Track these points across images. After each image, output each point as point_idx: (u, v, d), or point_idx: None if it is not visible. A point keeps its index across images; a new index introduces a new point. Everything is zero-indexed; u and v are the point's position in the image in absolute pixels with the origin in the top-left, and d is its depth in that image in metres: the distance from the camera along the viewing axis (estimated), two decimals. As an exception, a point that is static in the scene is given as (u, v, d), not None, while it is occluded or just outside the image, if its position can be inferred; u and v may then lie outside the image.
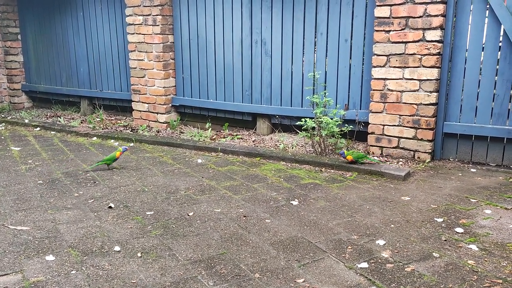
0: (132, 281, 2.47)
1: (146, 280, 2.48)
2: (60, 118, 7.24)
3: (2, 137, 6.18)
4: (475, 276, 2.48)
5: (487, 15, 4.30)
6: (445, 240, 2.92)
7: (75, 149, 5.48)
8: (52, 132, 6.44)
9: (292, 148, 5.24)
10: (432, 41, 4.38)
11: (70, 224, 3.23)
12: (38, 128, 6.67)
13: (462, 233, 3.03)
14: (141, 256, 2.75)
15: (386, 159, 4.73)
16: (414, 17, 4.42)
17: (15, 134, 6.41)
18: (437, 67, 4.43)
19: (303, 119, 4.91)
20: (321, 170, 4.49)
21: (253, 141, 5.65)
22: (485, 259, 2.67)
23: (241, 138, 5.79)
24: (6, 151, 5.42)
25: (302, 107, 5.47)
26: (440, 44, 4.38)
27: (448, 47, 4.45)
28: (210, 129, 6.19)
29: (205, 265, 2.63)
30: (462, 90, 4.52)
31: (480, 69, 4.42)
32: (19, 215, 3.41)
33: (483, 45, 4.36)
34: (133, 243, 2.93)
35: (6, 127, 6.88)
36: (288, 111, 5.57)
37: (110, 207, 3.57)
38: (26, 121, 7.03)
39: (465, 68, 4.47)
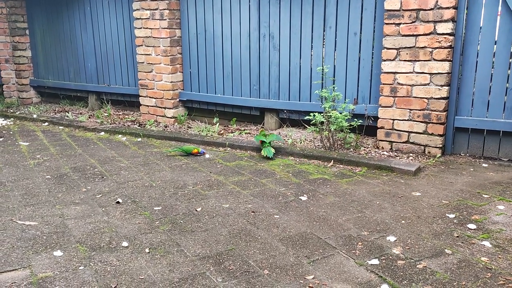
0: (140, 277, 2.45)
1: (154, 276, 2.46)
2: (68, 113, 7.24)
3: (11, 132, 6.20)
4: (489, 274, 2.43)
5: (499, 7, 4.22)
6: (458, 237, 2.87)
7: (83, 144, 5.48)
8: (60, 127, 6.45)
9: (301, 143, 5.19)
10: (443, 34, 4.30)
11: (78, 219, 3.22)
12: (46, 123, 6.69)
13: (474, 229, 2.97)
14: (149, 252, 2.73)
15: (396, 154, 4.67)
16: (425, 10, 4.34)
17: (23, 129, 6.42)
18: (449, 61, 4.35)
19: (311, 114, 4.86)
20: (330, 165, 4.44)
21: (261, 136, 5.61)
22: (498, 256, 2.62)
23: (249, 133, 5.75)
24: (14, 146, 5.43)
25: (310, 101, 5.42)
26: (451, 37, 4.31)
27: (460, 40, 4.37)
28: (218, 124, 6.16)
29: (214, 261, 2.61)
30: (474, 83, 4.44)
31: (493, 63, 4.33)
32: (27, 210, 3.41)
33: (496, 38, 4.28)
34: (141, 238, 2.92)
35: (14, 122, 6.90)
36: (297, 106, 5.53)
37: (118, 202, 3.55)
38: (35, 116, 7.04)
39: (477, 61, 4.39)
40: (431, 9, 4.31)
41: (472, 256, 2.62)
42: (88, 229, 3.06)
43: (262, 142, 4.80)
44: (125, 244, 2.83)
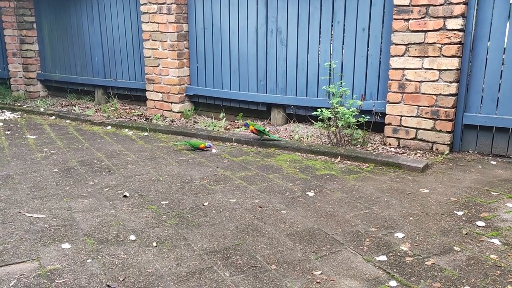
0: (148, 271, 2.45)
1: (161, 270, 2.46)
2: (75, 107, 7.26)
3: (18, 126, 6.22)
4: (498, 271, 2.42)
5: (511, 3, 4.17)
6: (466, 234, 2.85)
7: (90, 138, 5.49)
8: (67, 121, 6.47)
9: (307, 138, 5.18)
10: (453, 30, 4.26)
11: (86, 213, 3.23)
12: (53, 117, 6.71)
13: (483, 226, 2.95)
14: (156, 246, 2.73)
15: (403, 150, 4.64)
16: (435, 5, 4.30)
17: (30, 122, 6.45)
18: (458, 57, 4.32)
19: (318, 109, 4.84)
20: (337, 161, 4.43)
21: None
22: (508, 253, 2.60)
23: (255, 128, 5.74)
24: (22, 139, 5.45)
25: (317, 97, 5.40)
26: (461, 33, 4.27)
27: (470, 36, 4.33)
28: (224, 119, 6.15)
29: (221, 256, 2.61)
30: (483, 80, 4.40)
31: (503, 59, 4.30)
32: (35, 202, 3.42)
33: (506, 35, 4.23)
34: (148, 232, 2.92)
35: (22, 116, 6.93)
36: (304, 101, 5.51)
37: (125, 196, 3.56)
38: (42, 109, 7.07)
39: (486, 58, 4.35)
40: (441, 4, 4.27)
41: (481, 254, 2.60)
42: (95, 222, 3.07)
43: (259, 131, 4.99)
44: (132, 237, 2.84)
